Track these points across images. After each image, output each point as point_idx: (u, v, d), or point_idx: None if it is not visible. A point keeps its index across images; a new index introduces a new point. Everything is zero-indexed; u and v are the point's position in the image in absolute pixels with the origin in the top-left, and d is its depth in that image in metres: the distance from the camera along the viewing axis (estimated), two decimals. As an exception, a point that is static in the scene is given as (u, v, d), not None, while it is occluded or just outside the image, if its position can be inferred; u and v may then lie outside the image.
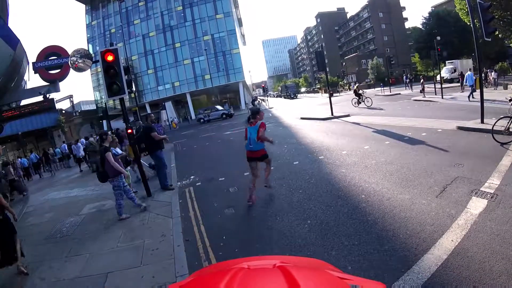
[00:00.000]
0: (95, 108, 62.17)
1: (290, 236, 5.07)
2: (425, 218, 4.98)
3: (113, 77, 8.11)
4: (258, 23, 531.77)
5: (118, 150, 9.53)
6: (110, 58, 8.05)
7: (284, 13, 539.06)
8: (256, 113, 7.27)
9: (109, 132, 14.75)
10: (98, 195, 10.44)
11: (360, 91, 26.18)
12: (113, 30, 58.66)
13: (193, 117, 51.62)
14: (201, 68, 55.62)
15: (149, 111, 50.89)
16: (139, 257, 5.14)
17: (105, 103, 40.05)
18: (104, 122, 42.03)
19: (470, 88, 21.07)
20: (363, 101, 25.09)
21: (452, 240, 4.25)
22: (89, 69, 11.02)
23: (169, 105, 53.24)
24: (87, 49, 13.00)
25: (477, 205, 5.14)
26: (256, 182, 6.99)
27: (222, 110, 41.72)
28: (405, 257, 4.02)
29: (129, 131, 8.99)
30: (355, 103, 25.79)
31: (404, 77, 43.35)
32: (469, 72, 22.59)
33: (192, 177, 10.27)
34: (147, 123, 9.75)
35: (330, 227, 5.16)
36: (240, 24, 76.70)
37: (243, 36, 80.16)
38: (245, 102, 57.15)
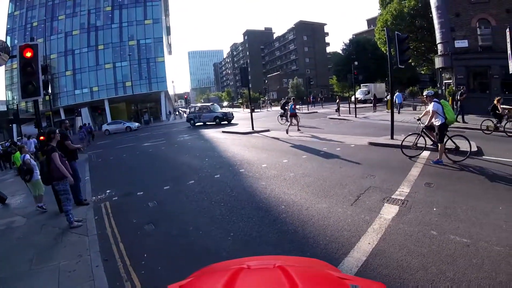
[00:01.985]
0: (5, 109, 55.11)
1: (214, 250, 4.96)
2: (343, 225, 5.30)
3: (30, 76, 7.28)
4: (186, 32, 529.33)
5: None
6: (28, 54, 7.18)
7: (213, 27, 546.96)
8: (289, 101, 20.59)
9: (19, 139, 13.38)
10: (5, 210, 9.14)
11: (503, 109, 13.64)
12: (35, 24, 53.05)
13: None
14: (123, 74, 52.44)
15: (63, 117, 46.84)
16: (56, 281, 4.58)
17: (17, 105, 35.64)
18: (14, 126, 37.75)
19: (398, 105, 26.65)
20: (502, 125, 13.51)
21: (369, 243, 4.58)
22: (4, 65, 9.57)
23: (85, 111, 49.22)
24: (5, 41, 11.57)
25: (389, 211, 5.68)
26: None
27: (217, 112, 31.22)
28: (326, 262, 4.16)
29: (41, 138, 8.16)
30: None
31: (311, 97, 45.60)
32: (397, 93, 27.89)
33: (108, 191, 9.48)
34: (61, 130, 8.99)
35: (253, 238, 5.18)
36: (168, 33, 74.71)
37: (169, 45, 77.99)
38: (166, 113, 55.09)
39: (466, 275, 3.69)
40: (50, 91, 18.30)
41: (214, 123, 29.80)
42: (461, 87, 18.19)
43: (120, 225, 6.60)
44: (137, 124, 40.45)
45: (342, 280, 1.34)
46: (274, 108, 51.80)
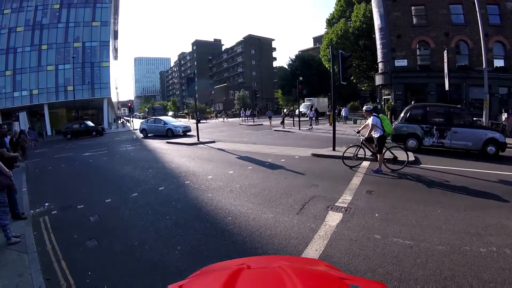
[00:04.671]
0: None
1: (161, 265, 4.73)
2: (289, 233, 5.36)
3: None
4: (133, 38, 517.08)
5: None
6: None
7: (162, 34, 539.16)
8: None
9: None
10: None
11: None
12: (-22, 16, 48.15)
13: (49, 133, 45.93)
14: (65, 78, 49.18)
15: (0, 121, 42.67)
16: (-5, 304, 4.12)
17: None
18: None
19: (344, 118, 31.33)
20: None
21: (316, 250, 4.68)
22: None
23: (23, 116, 44.37)
24: None
25: (333, 218, 5.89)
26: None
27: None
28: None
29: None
30: None
31: (241, 111, 45.72)
32: (345, 108, 33.22)
33: (46, 204, 8.70)
34: None
35: (201, 251, 5.03)
36: (116, 37, 71.19)
37: (116, 49, 74.27)
38: (108, 121, 52.52)
39: (412, 274, 3.89)
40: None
41: None
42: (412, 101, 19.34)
43: (61, 241, 6.08)
44: (184, 126, 28.15)
45: (342, 280, 1.35)
46: (231, 119, 51.30)
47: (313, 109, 30.97)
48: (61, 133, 41.10)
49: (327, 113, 34.31)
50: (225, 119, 52.68)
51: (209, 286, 1.41)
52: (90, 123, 38.33)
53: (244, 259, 1.79)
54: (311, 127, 27.15)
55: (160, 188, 9.27)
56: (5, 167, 6.00)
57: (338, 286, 1.32)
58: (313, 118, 29.16)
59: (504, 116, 18.61)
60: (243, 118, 45.59)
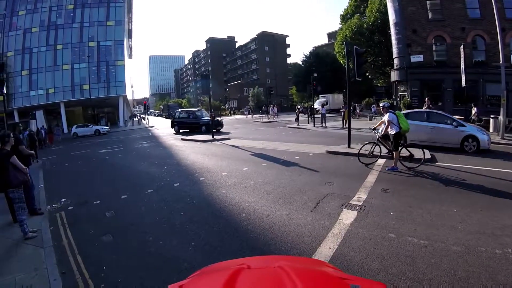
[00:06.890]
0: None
1: (174, 260, 4.78)
2: (303, 231, 5.36)
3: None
4: (148, 36, 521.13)
5: None
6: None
7: (176, 32, 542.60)
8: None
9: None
10: None
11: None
12: (-6, 18, 48.90)
13: (66, 130, 46.63)
14: (81, 77, 49.71)
15: (17, 119, 43.60)
16: (11, 297, 4.20)
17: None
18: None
19: (374, 114, 31.81)
20: None
21: (330, 248, 4.67)
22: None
23: (40, 114, 45.34)
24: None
25: (348, 216, 5.86)
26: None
27: None
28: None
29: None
30: None
31: (270, 107, 45.41)
32: (373, 105, 34.80)
33: (63, 200, 8.85)
34: (14, 134, 8.37)
35: (214, 247, 5.06)
36: (130, 36, 71.96)
37: (130, 48, 74.92)
38: (124, 118, 53.13)
39: (425, 274, 3.85)
40: (5, 91, 16.84)
41: None
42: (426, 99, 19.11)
43: (77, 236, 6.19)
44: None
45: (343, 280, 1.35)
46: (255, 116, 50.55)
47: (325, 106, 30.51)
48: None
49: (341, 110, 33.49)
50: (248, 115, 51.12)
51: (209, 286, 1.43)
52: (203, 113, 28.84)
53: (244, 259, 1.80)
54: (322, 124, 26.44)
55: (175, 185, 9.38)
56: (21, 164, 6.15)
57: (338, 286, 1.33)
58: (326, 115, 28.73)
59: (474, 110, 18.90)
60: (271, 114, 43.10)
